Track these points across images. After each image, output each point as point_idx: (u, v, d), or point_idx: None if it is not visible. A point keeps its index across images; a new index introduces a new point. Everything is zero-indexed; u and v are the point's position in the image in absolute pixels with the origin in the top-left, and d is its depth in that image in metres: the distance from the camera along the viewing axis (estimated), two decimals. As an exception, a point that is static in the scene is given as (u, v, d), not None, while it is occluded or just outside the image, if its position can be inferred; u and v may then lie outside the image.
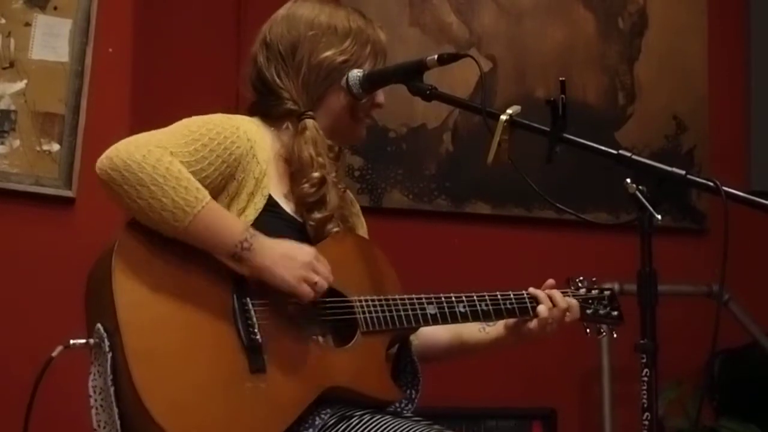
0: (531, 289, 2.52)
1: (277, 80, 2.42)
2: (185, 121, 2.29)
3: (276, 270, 2.18)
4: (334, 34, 2.43)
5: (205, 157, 2.23)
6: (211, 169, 2.24)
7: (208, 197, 2.16)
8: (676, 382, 4.16)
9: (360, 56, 2.43)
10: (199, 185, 2.16)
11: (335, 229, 2.38)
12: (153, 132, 2.23)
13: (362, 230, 2.60)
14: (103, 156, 2.16)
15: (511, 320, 2.53)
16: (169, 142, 2.19)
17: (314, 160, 2.35)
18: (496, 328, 2.56)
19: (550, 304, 2.50)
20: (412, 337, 2.51)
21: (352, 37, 2.43)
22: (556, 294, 2.52)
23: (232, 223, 2.20)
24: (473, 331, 2.58)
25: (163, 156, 2.14)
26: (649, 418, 2.04)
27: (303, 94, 2.41)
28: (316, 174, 2.34)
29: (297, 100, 2.41)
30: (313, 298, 2.22)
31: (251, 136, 2.33)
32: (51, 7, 3.50)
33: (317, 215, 2.34)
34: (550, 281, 2.56)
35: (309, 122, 2.39)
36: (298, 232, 2.33)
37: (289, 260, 2.19)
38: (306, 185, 2.34)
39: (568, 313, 2.52)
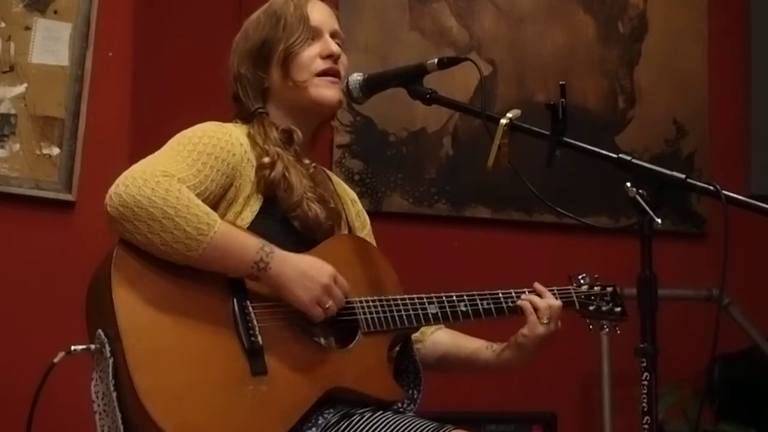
0: (521, 300, 2.51)
1: (236, 90, 2.49)
2: (180, 138, 2.30)
3: (293, 288, 2.20)
4: (246, 33, 2.51)
5: (207, 175, 2.25)
6: (213, 184, 2.27)
7: (218, 221, 2.16)
8: (676, 386, 4.16)
9: (274, 33, 2.46)
10: (209, 210, 2.17)
11: (328, 223, 2.39)
12: (155, 159, 2.24)
13: (360, 226, 2.61)
14: (112, 193, 2.14)
15: (512, 338, 2.52)
16: (173, 167, 2.20)
17: (262, 148, 2.37)
18: (499, 345, 2.56)
19: (537, 301, 2.48)
20: (419, 346, 2.52)
21: (261, 24, 2.48)
22: (534, 297, 2.50)
23: (246, 243, 2.20)
24: (481, 347, 2.57)
25: (172, 185, 2.15)
26: (649, 421, 2.04)
27: (250, 94, 2.46)
28: (265, 159, 2.35)
29: (246, 102, 2.46)
30: (323, 320, 2.24)
31: (243, 141, 2.36)
32: (51, 10, 3.51)
33: (291, 200, 2.34)
34: (535, 285, 2.54)
35: (257, 117, 2.44)
36: (293, 232, 2.34)
37: (308, 280, 2.21)
38: (265, 172, 2.34)
39: (552, 309, 2.48)
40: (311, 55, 2.46)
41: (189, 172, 2.22)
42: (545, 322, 2.46)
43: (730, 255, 2.06)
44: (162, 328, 2.12)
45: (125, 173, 2.17)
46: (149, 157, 2.25)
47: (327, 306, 2.22)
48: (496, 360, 2.54)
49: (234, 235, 2.19)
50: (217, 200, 2.29)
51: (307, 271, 2.22)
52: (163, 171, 2.17)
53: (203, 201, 2.21)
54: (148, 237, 2.12)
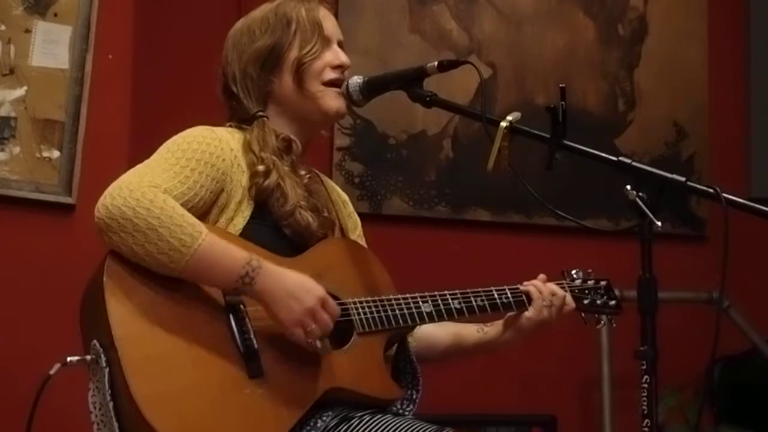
0: (523, 285, 2.54)
1: (233, 88, 2.47)
2: (169, 146, 2.30)
3: (276, 308, 2.17)
4: (251, 31, 2.48)
5: (196, 181, 2.24)
6: (203, 190, 2.25)
7: (203, 233, 2.14)
8: (676, 388, 4.17)
9: (285, 36, 2.45)
10: (195, 221, 2.15)
11: (321, 231, 2.38)
12: (142, 168, 2.23)
13: (352, 227, 2.61)
14: (99, 204, 2.14)
15: (509, 316, 2.54)
16: (159, 177, 2.20)
17: (257, 155, 2.36)
18: (494, 327, 2.58)
19: (541, 286, 2.53)
20: (410, 339, 2.52)
21: (270, 26, 2.47)
22: (551, 284, 2.55)
23: (233, 256, 2.16)
24: (472, 331, 2.59)
25: (156, 196, 2.13)
26: (649, 424, 2.04)
27: (252, 95, 2.45)
28: (260, 167, 2.34)
29: (247, 103, 2.45)
30: (304, 343, 2.20)
31: (233, 146, 2.35)
32: (51, 13, 3.51)
33: (284, 209, 2.33)
34: (542, 276, 2.57)
35: (257, 121, 2.43)
36: (285, 238, 2.34)
37: (292, 300, 2.17)
38: (258, 180, 2.34)
39: (565, 306, 2.53)
40: (323, 64, 2.46)
41: (176, 181, 2.21)
42: (547, 304, 2.50)
43: (730, 257, 2.06)
44: (157, 335, 2.11)
45: (112, 185, 2.16)
46: (137, 167, 2.24)
47: (309, 329, 2.18)
48: (486, 337, 2.58)
49: (220, 247, 2.16)
50: (209, 206, 2.29)
51: (293, 292, 2.17)
52: (150, 181, 2.17)
53: (194, 208, 2.21)
54: (133, 249, 2.11)
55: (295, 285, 2.19)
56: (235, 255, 2.16)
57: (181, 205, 2.17)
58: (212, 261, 2.14)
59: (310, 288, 2.20)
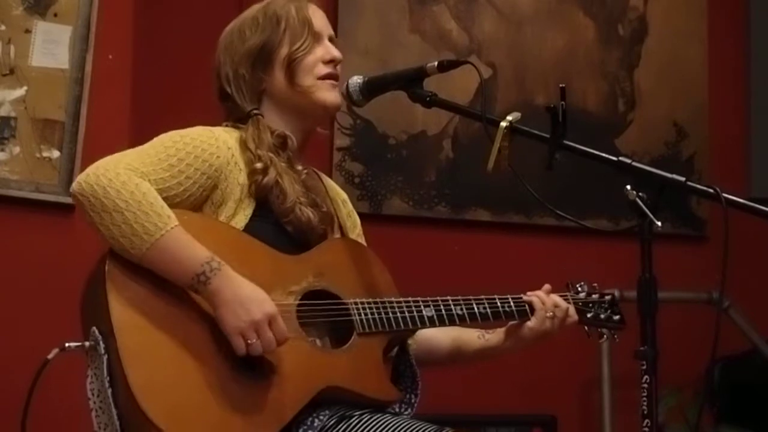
0: (527, 295, 2.53)
1: (227, 89, 2.47)
2: (162, 136, 2.31)
3: (223, 311, 2.14)
4: (242, 32, 2.49)
5: (182, 171, 2.25)
6: (190, 182, 2.25)
7: (170, 225, 2.13)
8: (676, 388, 4.16)
9: (275, 34, 2.45)
10: (165, 212, 2.14)
11: (321, 227, 2.39)
12: (127, 151, 2.25)
13: (351, 226, 2.61)
14: (75, 181, 2.16)
15: (511, 324, 2.54)
16: (140, 162, 2.20)
17: (254, 153, 2.36)
18: (495, 335, 2.58)
19: (544, 296, 2.51)
20: (410, 342, 2.52)
21: (260, 25, 2.47)
22: (555, 296, 2.54)
23: (194, 254, 2.14)
24: (472, 338, 2.59)
25: (130, 179, 2.14)
26: (649, 424, 2.04)
27: (246, 95, 2.45)
28: (258, 165, 2.34)
29: (241, 103, 2.45)
30: (246, 355, 2.15)
31: (231, 144, 2.35)
32: (51, 13, 3.51)
33: (284, 206, 2.33)
34: (547, 286, 2.56)
35: (252, 119, 2.43)
36: (287, 235, 2.34)
37: (240, 308, 2.13)
38: (257, 178, 2.33)
39: (568, 318, 2.53)
40: (315, 59, 2.46)
41: (158, 167, 2.22)
42: (549, 316, 2.49)
43: (730, 258, 2.05)
44: (155, 325, 2.12)
45: (94, 163, 2.18)
46: (124, 151, 2.25)
47: (250, 342, 2.13)
48: (487, 345, 2.57)
49: (184, 243, 2.15)
50: (201, 202, 2.29)
51: (244, 300, 2.14)
52: (128, 164, 2.18)
53: (179, 199, 2.23)
54: (99, 228, 2.13)
55: (249, 295, 2.15)
56: (198, 254, 2.15)
57: (161, 192, 2.18)
58: (172, 255, 2.14)
59: (262, 302, 2.16)
